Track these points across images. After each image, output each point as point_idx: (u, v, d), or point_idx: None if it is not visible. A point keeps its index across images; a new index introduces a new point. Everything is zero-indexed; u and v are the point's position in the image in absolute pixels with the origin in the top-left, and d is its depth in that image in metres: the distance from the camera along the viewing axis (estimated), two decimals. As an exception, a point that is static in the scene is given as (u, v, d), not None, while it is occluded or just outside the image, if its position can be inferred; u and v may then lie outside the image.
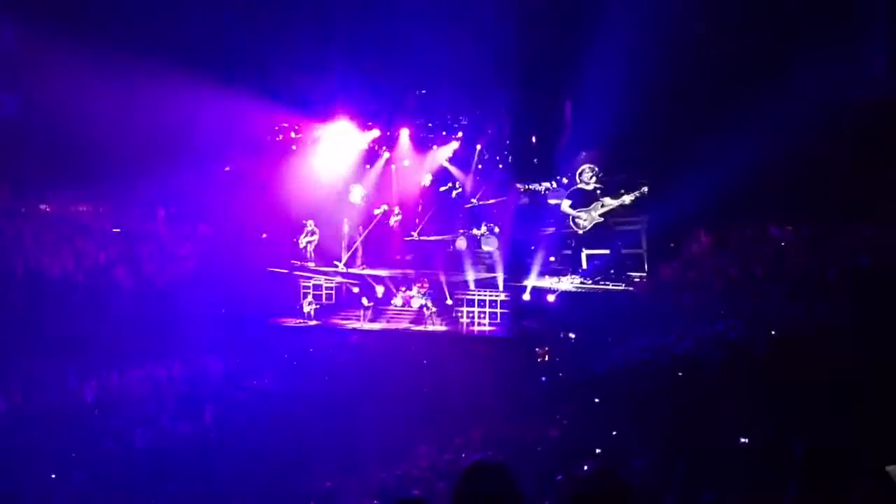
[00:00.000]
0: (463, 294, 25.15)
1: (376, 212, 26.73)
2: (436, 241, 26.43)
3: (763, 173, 18.98)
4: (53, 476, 13.95)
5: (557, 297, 23.86)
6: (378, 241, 27.28)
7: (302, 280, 26.62)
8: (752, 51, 20.36)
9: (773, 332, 15.40)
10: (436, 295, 25.14)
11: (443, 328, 24.77)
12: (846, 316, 14.92)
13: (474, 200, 26.07)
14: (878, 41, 18.89)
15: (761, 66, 20.39)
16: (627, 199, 23.94)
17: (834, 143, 18.14)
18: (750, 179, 19.18)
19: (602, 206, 24.19)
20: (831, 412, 10.59)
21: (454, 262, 25.85)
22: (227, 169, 27.16)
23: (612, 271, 23.93)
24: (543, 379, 19.60)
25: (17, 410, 16.94)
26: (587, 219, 24.34)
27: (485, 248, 25.75)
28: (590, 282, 23.87)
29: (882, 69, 18.84)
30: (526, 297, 24.36)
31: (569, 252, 24.95)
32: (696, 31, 19.09)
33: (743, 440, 11.36)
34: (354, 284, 26.53)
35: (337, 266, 26.73)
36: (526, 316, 23.84)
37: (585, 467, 11.86)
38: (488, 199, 25.98)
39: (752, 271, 20.16)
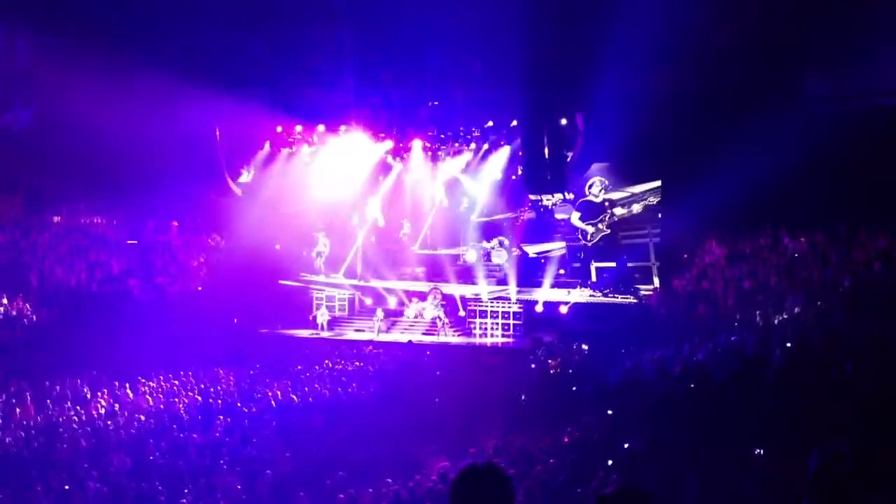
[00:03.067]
0: (475, 306, 25.15)
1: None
2: (447, 253, 26.47)
3: (775, 183, 18.93)
4: (67, 487, 13.96)
5: (569, 309, 23.85)
6: (385, 253, 27.34)
7: (314, 291, 26.66)
8: (765, 61, 20.34)
9: (787, 344, 15.29)
10: (448, 306, 25.13)
11: (456, 339, 24.76)
12: (861, 326, 14.83)
13: (474, 216, 26.18)
14: (891, 51, 18.83)
15: (774, 76, 20.37)
16: (635, 208, 24.00)
17: (846, 153, 18.08)
18: (762, 189, 19.14)
19: (609, 217, 24.25)
20: (846, 424, 10.52)
21: (466, 275, 25.88)
22: (240, 181, 27.29)
23: (620, 284, 23.97)
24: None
25: (31, 420, 17.00)
26: (594, 231, 24.39)
27: (495, 260, 25.78)
28: (599, 294, 23.88)
29: (896, 79, 18.80)
30: (538, 309, 24.35)
31: (578, 265, 25.00)
32: (708, 43, 19.07)
33: (758, 451, 11.29)
34: (367, 296, 26.58)
35: (334, 277, 26.80)
36: (538, 328, 23.81)
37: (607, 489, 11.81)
38: (499, 212, 26.03)
39: (766, 282, 20.07)
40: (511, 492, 3.74)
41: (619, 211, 24.40)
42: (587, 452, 13.79)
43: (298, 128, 26.83)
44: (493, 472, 3.75)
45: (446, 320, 24.93)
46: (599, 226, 24.47)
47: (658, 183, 23.97)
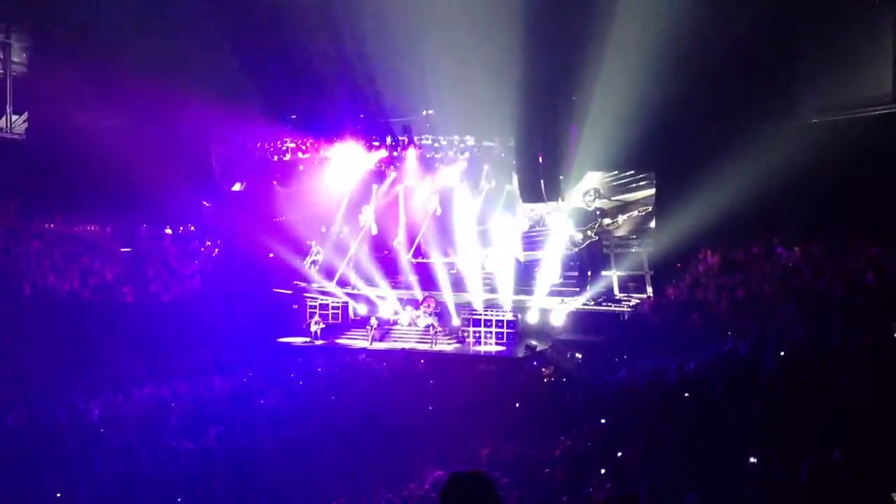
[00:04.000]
0: (469, 314, 25.15)
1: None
2: (441, 262, 26.49)
3: (769, 192, 18.99)
4: (59, 495, 13.93)
5: (563, 317, 23.86)
6: (379, 261, 27.36)
7: (308, 300, 26.65)
8: (758, 71, 20.42)
9: (781, 353, 15.32)
10: (442, 314, 25.13)
11: (449, 347, 24.76)
12: (854, 334, 14.86)
13: (467, 224, 26.22)
14: (885, 60, 18.91)
15: (767, 87, 20.46)
16: (628, 217, 24.13)
17: (839, 162, 18.15)
18: (756, 198, 19.19)
19: (598, 226, 24.37)
20: (838, 433, 10.54)
21: (459, 283, 25.90)
22: (235, 189, 27.29)
23: (614, 293, 24.03)
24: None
25: (23, 428, 16.94)
26: (583, 237, 24.50)
27: (489, 268, 25.80)
28: (593, 303, 23.92)
29: (889, 88, 18.86)
30: (532, 317, 24.37)
31: (573, 273, 25.07)
32: (701, 54, 19.14)
33: (751, 459, 11.30)
34: (361, 304, 26.56)
35: (327, 286, 26.79)
36: (531, 336, 23.82)
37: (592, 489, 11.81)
38: (493, 220, 26.06)
39: (759, 291, 20.10)
40: (498, 499, 3.75)
41: (609, 219, 24.51)
42: (581, 461, 13.80)
43: (292, 136, 26.86)
44: (479, 479, 3.77)
45: (440, 328, 24.94)
46: (589, 233, 24.57)
47: (652, 191, 24.09)
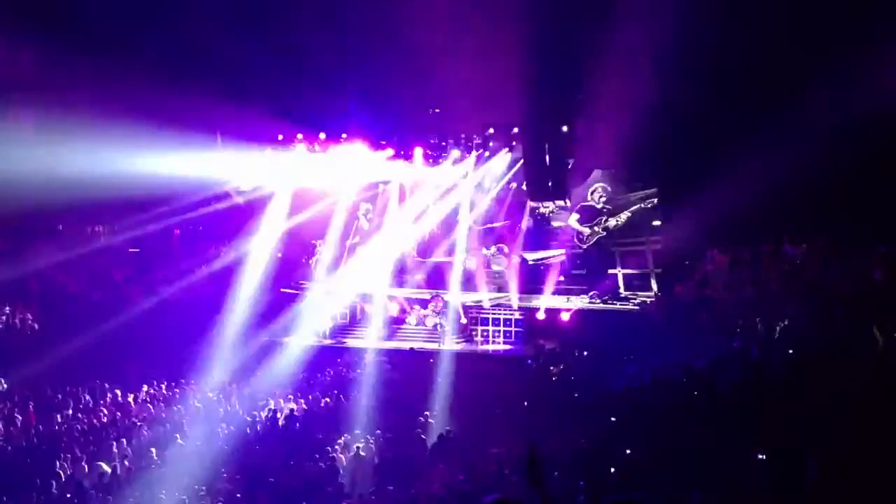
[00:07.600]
0: (477, 313, 25.12)
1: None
2: (447, 261, 26.47)
3: (777, 190, 18.96)
4: (69, 496, 14.00)
5: (570, 315, 23.85)
6: (386, 260, 27.34)
7: (316, 300, 26.61)
8: (766, 69, 20.37)
9: (789, 351, 15.32)
10: (450, 314, 25.12)
11: (457, 346, 24.71)
12: (862, 332, 14.83)
13: (474, 223, 26.26)
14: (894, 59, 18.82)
15: (776, 84, 20.42)
16: (634, 214, 24.19)
17: (847, 160, 18.10)
18: (764, 196, 19.16)
19: (606, 221, 24.43)
20: (847, 431, 10.53)
21: (467, 282, 25.88)
22: (241, 189, 27.31)
23: (620, 291, 24.04)
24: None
25: (32, 428, 17.02)
26: (591, 233, 24.58)
27: (495, 267, 25.80)
28: (599, 301, 23.93)
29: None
30: (539, 315, 24.35)
31: (579, 272, 25.07)
32: (711, 50, 19.11)
33: (760, 456, 11.31)
34: (368, 303, 26.55)
35: (335, 285, 26.78)
36: (539, 334, 23.79)
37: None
38: (499, 219, 26.08)
39: (767, 289, 20.08)
40: None
41: (616, 217, 24.56)
42: (591, 460, 13.80)
43: (299, 135, 26.86)
44: None
45: (448, 327, 24.91)
46: (596, 228, 24.63)
47: (658, 189, 24.11)
